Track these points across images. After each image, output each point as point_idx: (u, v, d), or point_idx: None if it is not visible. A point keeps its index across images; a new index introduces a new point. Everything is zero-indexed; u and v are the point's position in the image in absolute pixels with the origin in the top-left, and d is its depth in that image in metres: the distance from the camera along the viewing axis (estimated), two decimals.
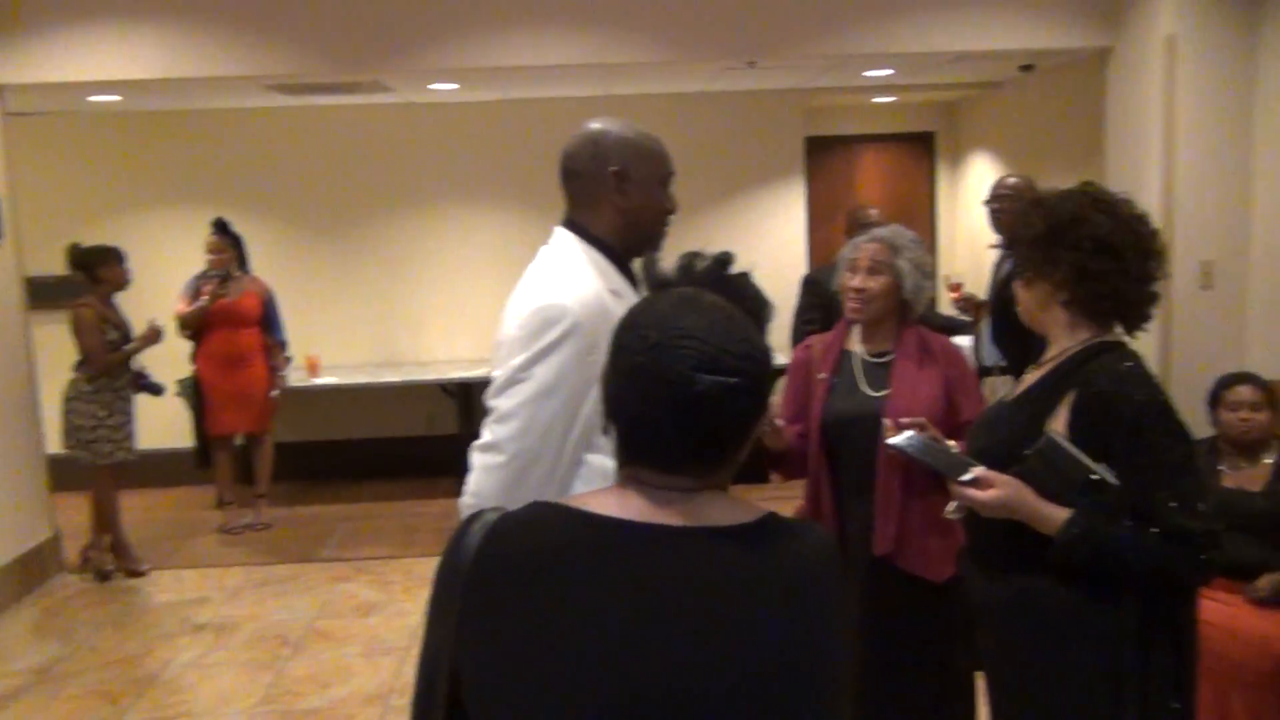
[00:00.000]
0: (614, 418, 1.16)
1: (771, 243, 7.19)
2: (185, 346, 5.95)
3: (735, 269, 1.38)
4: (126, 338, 5.35)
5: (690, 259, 1.40)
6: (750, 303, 1.27)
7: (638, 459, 1.15)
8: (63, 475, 5.72)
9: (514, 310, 1.86)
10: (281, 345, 6.12)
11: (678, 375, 1.10)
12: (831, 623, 1.11)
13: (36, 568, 5.32)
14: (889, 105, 7.97)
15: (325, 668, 4.26)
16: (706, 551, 1.11)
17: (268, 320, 6.02)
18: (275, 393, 6.08)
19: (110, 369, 5.26)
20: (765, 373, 1.16)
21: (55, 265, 6.78)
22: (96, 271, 5.29)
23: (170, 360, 5.95)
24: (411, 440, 7.19)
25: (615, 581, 1.09)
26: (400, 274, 7.20)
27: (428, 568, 4.96)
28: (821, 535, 1.19)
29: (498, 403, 1.81)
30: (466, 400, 6.85)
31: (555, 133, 7.66)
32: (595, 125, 1.98)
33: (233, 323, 5.85)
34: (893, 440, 2.14)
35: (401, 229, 7.17)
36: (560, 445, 1.79)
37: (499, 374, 1.83)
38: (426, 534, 5.95)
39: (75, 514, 5.82)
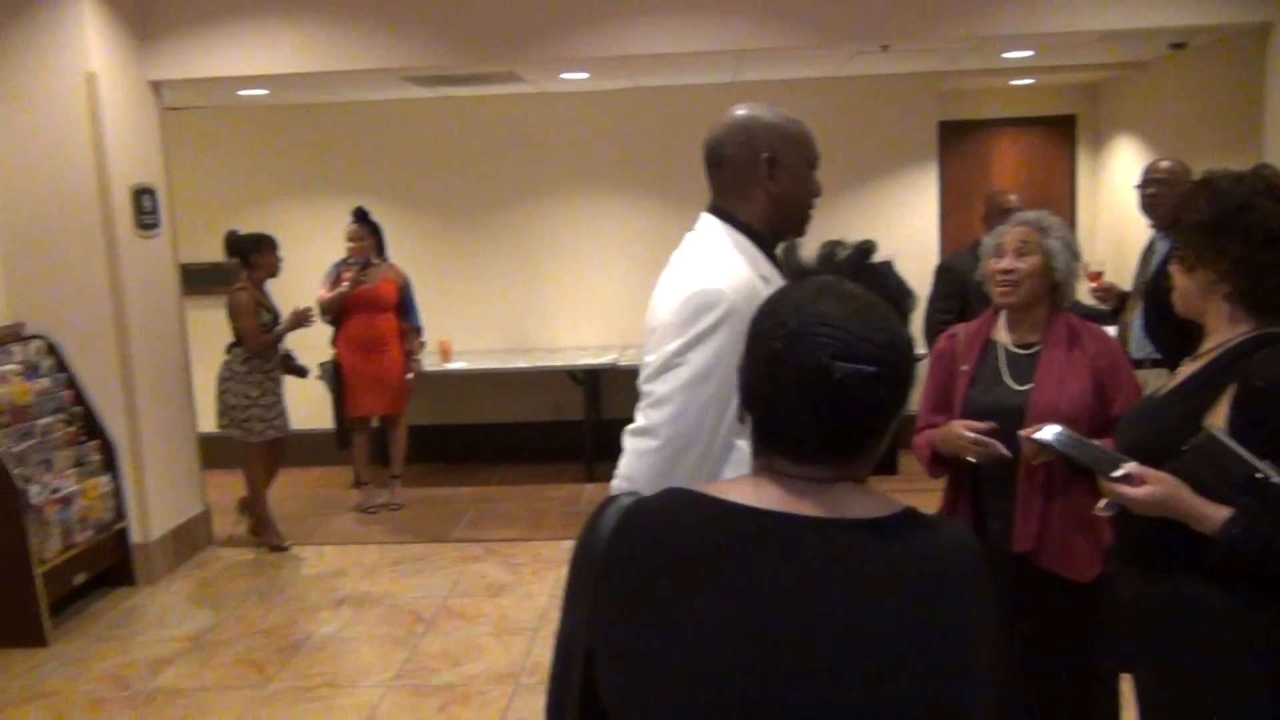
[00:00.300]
0: (750, 406, 1.16)
1: (903, 230, 7.04)
2: (326, 331, 6.16)
3: (876, 258, 1.35)
4: (277, 321, 5.61)
5: (831, 247, 1.37)
6: (892, 292, 1.25)
7: (773, 448, 1.14)
8: (212, 453, 6.03)
9: (665, 296, 1.87)
10: (416, 331, 6.25)
11: (815, 363, 1.08)
12: (972, 621, 1.08)
13: (189, 541, 5.61)
14: (1028, 88, 7.70)
15: (457, 645, 4.38)
16: (842, 543, 1.09)
17: (404, 306, 6.17)
18: (410, 376, 6.24)
19: (263, 350, 5.52)
20: (906, 363, 1.13)
21: (205, 253, 7.11)
22: (251, 257, 5.55)
23: (311, 344, 6.17)
24: (539, 425, 7.31)
25: (749, 571, 1.07)
26: (530, 262, 7.30)
27: (555, 551, 5.06)
28: (962, 532, 1.16)
29: (652, 387, 1.82)
30: (593, 387, 6.92)
31: (685, 120, 7.62)
32: (743, 111, 1.97)
33: (371, 308, 6.02)
34: (1038, 434, 2.08)
35: (532, 217, 7.26)
36: (714, 430, 1.79)
37: (651, 359, 1.84)
38: (553, 518, 6.04)
39: (225, 491, 6.13)
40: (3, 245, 5.02)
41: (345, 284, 5.91)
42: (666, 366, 1.80)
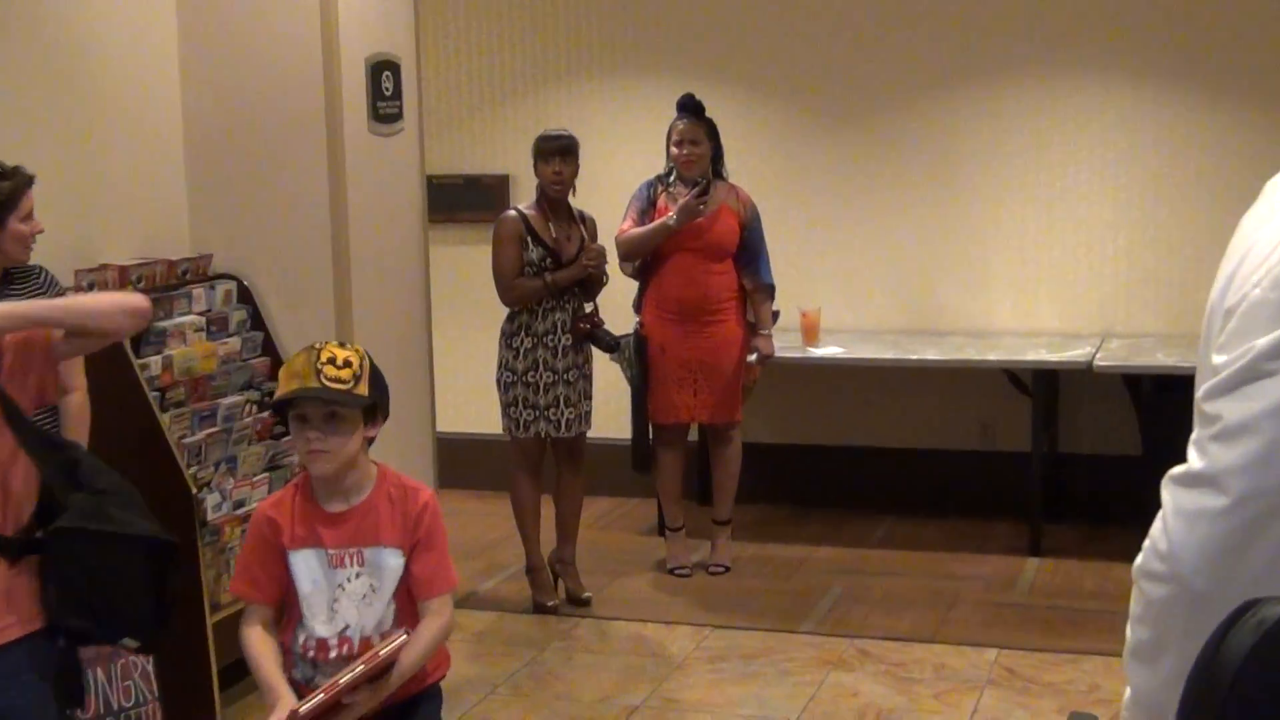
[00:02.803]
0: None
1: None
2: (628, 287, 6.25)
3: None
4: (557, 261, 5.74)
5: None
6: None
7: None
8: (454, 464, 6.19)
9: (1256, 256, 1.72)
10: (767, 292, 6.24)
11: None
12: None
13: None
14: None
15: None
16: None
17: (747, 253, 6.17)
18: (752, 360, 6.22)
19: (520, 302, 5.76)
20: None
21: (457, 161, 7.37)
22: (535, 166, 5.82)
23: (604, 308, 6.17)
24: (954, 455, 7.22)
25: None
26: (949, 192, 7.19)
27: (972, 664, 4.84)
28: None
29: (1221, 407, 1.69)
30: (1049, 399, 6.80)
31: None
32: None
33: (698, 254, 6.07)
34: None
35: (954, 120, 7.15)
36: None
37: (1223, 360, 1.70)
38: (969, 609, 5.97)
39: (468, 521, 6.29)
40: (188, 145, 5.36)
41: (671, 215, 5.93)
42: (1252, 374, 1.67)
